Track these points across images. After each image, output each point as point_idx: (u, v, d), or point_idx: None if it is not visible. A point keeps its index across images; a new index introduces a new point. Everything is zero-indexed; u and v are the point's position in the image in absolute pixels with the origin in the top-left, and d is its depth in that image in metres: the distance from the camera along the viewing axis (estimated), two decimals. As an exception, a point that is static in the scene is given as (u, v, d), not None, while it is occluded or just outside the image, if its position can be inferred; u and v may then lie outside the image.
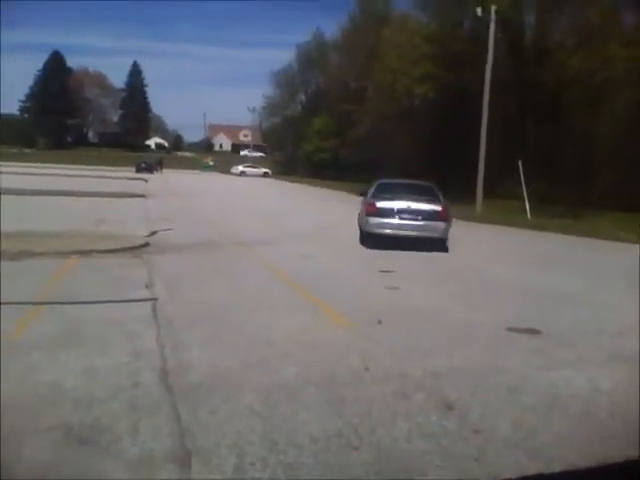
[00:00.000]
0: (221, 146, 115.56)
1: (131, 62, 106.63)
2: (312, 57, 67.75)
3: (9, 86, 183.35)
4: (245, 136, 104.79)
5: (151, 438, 3.65)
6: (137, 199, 24.71)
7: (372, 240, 13.25)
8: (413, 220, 13.08)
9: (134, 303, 7.12)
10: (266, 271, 10.04)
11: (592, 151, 29.22)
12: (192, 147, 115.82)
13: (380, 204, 13.41)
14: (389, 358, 5.45)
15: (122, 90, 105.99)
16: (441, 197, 14.28)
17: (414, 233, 13.06)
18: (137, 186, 33.37)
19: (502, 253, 14.42)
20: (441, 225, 13.14)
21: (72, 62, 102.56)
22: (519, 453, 3.69)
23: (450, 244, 13.30)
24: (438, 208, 13.40)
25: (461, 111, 34.03)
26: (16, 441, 3.50)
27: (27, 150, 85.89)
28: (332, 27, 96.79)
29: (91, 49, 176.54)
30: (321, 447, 3.68)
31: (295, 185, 48.46)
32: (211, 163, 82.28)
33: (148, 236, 12.88)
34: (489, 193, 26.93)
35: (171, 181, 45.12)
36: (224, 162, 78.44)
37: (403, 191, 14.26)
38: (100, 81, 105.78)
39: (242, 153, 70.25)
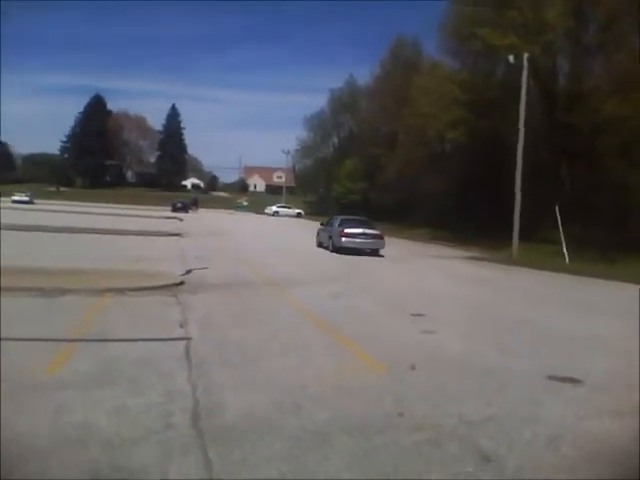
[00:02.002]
0: (255, 187, 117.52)
1: (169, 105, 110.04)
2: (344, 102, 69.15)
3: (52, 126, 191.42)
4: (279, 177, 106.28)
5: (181, 481, 3.60)
6: (173, 238, 25.07)
7: (342, 250, 22.52)
8: (365, 238, 23.04)
9: (167, 342, 7.14)
10: (298, 312, 9.98)
11: (627, 195, 28.78)
12: (227, 187, 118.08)
13: (347, 230, 22.96)
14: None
15: (160, 132, 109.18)
16: (374, 226, 24.68)
17: (367, 246, 23.06)
18: (173, 225, 33.93)
19: (539, 298, 14.12)
20: (381, 241, 23.38)
21: (112, 105, 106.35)
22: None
23: (485, 288, 13.21)
24: (378, 232, 23.83)
25: (493, 156, 34.05)
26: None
27: (63, 189, 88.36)
28: (364, 73, 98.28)
29: (131, 92, 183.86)
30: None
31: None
32: (245, 203, 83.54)
33: (183, 275, 13.00)
34: (524, 237, 26.63)
35: (206, 220, 45.81)
36: (258, 202, 79.62)
37: (355, 222, 24.30)
38: (139, 123, 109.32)
39: (273, 210, 71.30)
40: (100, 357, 6.28)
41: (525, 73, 27.27)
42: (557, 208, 24.55)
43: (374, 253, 22.87)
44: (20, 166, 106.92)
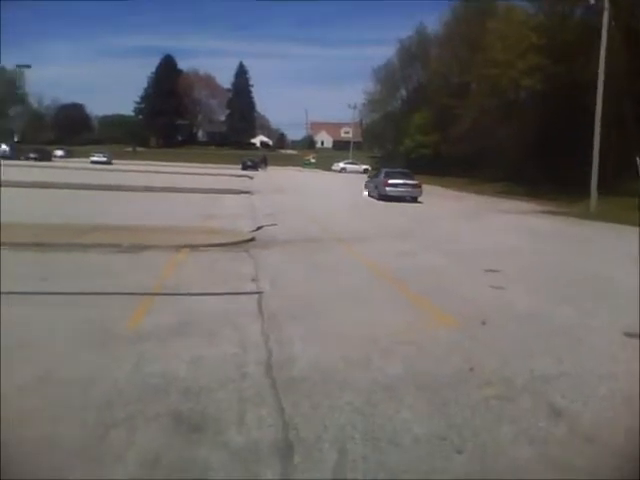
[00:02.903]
0: (323, 143, 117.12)
1: (237, 63, 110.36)
2: (413, 52, 67.04)
3: (126, 88, 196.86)
4: (346, 133, 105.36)
5: (256, 428, 3.76)
6: (243, 195, 25.52)
7: (386, 198, 25.81)
8: (406, 188, 26.44)
9: (240, 296, 7.36)
10: (368, 267, 10.02)
11: None
12: (295, 145, 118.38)
13: (390, 181, 26.51)
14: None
15: (229, 90, 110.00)
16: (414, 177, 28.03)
17: (407, 194, 26.27)
18: (243, 183, 34.50)
19: (616, 253, 13.54)
20: (418, 190, 26.67)
21: (182, 64, 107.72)
22: (634, 466, 3.45)
23: (559, 242, 12.82)
24: (417, 182, 27.14)
25: (571, 104, 32.34)
26: (130, 426, 3.72)
27: (140, 149, 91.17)
28: (434, 21, 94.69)
29: (200, 51, 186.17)
30: (423, 448, 3.63)
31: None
32: (313, 160, 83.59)
33: (254, 231, 13.27)
34: (603, 190, 25.39)
35: (275, 178, 46.26)
36: (325, 159, 79.42)
37: (398, 174, 27.75)
38: (209, 82, 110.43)
39: (340, 166, 71.05)
40: (177, 310, 6.55)
41: (606, 14, 25.45)
42: (639, 159, 23.16)
43: (413, 200, 26.28)
44: (97, 127, 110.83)
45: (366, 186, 30.21)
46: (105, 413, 3.90)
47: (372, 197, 27.90)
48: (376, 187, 27.64)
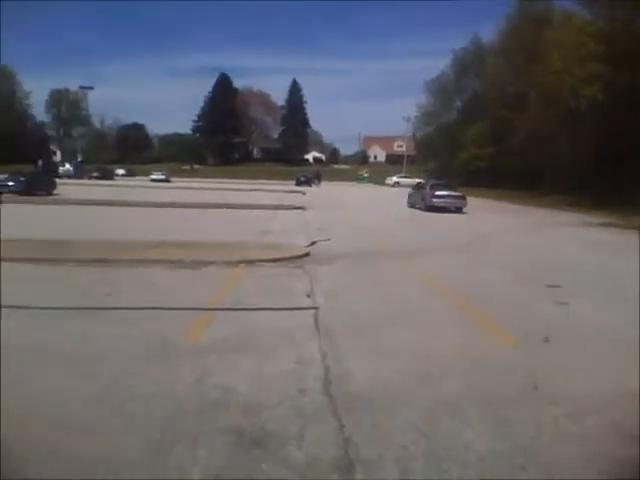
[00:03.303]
0: (375, 157, 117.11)
1: (290, 80, 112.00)
2: (468, 63, 66.23)
3: (184, 107, 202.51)
4: (399, 146, 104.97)
5: (316, 445, 3.75)
6: (297, 211, 25.74)
7: (432, 209, 27.48)
8: (451, 199, 28.29)
9: (297, 311, 7.39)
10: (424, 282, 9.90)
11: None
12: (348, 159, 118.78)
13: (437, 192, 28.37)
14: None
15: (283, 107, 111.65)
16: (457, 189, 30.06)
17: (452, 204, 28.02)
18: (297, 198, 34.81)
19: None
20: (463, 201, 28.28)
21: (238, 83, 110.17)
22: None
23: (625, 257, 12.32)
24: (461, 194, 28.81)
25: (633, 112, 31.17)
26: (192, 441, 3.77)
27: (197, 166, 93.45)
28: (488, 31, 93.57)
29: (254, 69, 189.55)
30: (487, 466, 3.54)
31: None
32: (366, 175, 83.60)
33: (308, 246, 13.34)
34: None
35: (328, 193, 46.48)
36: (378, 173, 79.31)
37: (442, 186, 29.75)
38: (263, 100, 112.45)
39: (393, 180, 70.97)
40: (236, 325, 6.63)
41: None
42: None
43: (458, 211, 27.97)
44: (156, 146, 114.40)
45: (410, 197, 32.25)
46: (168, 427, 3.97)
47: (416, 209, 29.67)
48: (422, 199, 29.19)
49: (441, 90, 70.67)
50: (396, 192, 52.97)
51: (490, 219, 25.43)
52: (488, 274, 10.84)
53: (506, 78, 52.50)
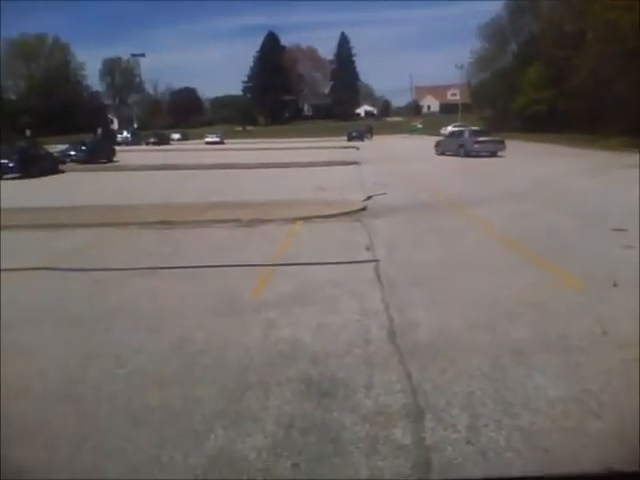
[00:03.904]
0: (429, 107, 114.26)
1: (339, 33, 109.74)
2: (523, 3, 63.07)
3: (234, 69, 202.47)
4: (453, 95, 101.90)
5: (384, 393, 3.80)
6: (351, 166, 25.56)
7: (472, 154, 28.57)
8: (491, 144, 29.73)
9: (357, 264, 7.42)
10: (484, 231, 9.72)
11: None
12: (400, 111, 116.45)
13: (479, 138, 29.77)
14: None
15: (332, 62, 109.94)
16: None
17: (492, 149, 29.42)
18: (350, 154, 34.50)
19: None
20: (501, 145, 29.65)
21: (285, 40, 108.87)
22: None
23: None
24: (499, 139, 30.73)
25: None
26: (264, 390, 3.88)
27: (250, 127, 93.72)
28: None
29: (301, 25, 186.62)
30: (559, 412, 3.52)
31: (507, 142, 45.89)
32: (419, 125, 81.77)
33: (364, 200, 13.27)
34: None
35: (381, 147, 45.83)
36: (432, 124, 77.37)
37: (480, 133, 32.17)
38: (311, 55, 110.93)
39: (449, 130, 68.89)
40: (297, 280, 6.73)
41: None
42: None
43: (494, 155, 29.01)
44: (208, 109, 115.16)
45: (440, 146, 32.86)
46: (240, 377, 4.10)
47: (447, 155, 30.71)
48: (461, 145, 30.13)
49: (496, 34, 67.69)
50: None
51: (551, 163, 24.50)
52: (549, 219, 10.53)
53: (564, 17, 49.76)
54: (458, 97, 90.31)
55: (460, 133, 33.22)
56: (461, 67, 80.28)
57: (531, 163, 24.89)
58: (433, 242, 8.85)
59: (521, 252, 7.96)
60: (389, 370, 4.14)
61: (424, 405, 3.62)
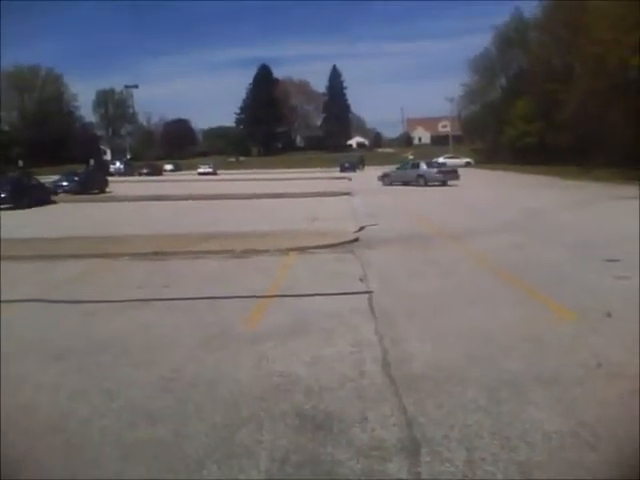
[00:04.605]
0: (420, 139, 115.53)
1: (330, 66, 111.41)
2: (511, 38, 64.48)
3: (226, 100, 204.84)
4: (444, 127, 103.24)
5: (380, 427, 3.75)
6: (343, 197, 25.70)
7: (429, 184, 31.94)
8: (447, 174, 33.48)
9: (351, 295, 7.40)
10: (477, 263, 9.74)
11: None
12: (392, 143, 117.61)
13: (434, 169, 33.71)
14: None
15: (324, 94, 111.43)
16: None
17: (448, 178, 33.13)
18: (342, 184, 34.71)
19: None
20: (455, 175, 33.29)
21: (278, 72, 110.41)
22: None
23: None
24: (454, 169, 35.57)
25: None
26: (256, 425, 3.83)
27: (242, 158, 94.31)
28: (529, 5, 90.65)
29: (293, 58, 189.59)
30: (555, 445, 3.48)
31: (498, 173, 46.42)
32: (411, 157, 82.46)
33: (357, 231, 13.32)
34: None
35: (373, 178, 46.10)
36: (424, 155, 77.97)
37: (434, 164, 36.81)
38: (303, 88, 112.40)
39: (440, 161, 69.92)
40: (291, 311, 6.70)
41: None
42: None
43: (444, 184, 32.07)
44: (201, 140, 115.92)
45: (387, 177, 35.64)
46: (232, 412, 4.05)
47: (394, 185, 33.62)
48: (420, 175, 33.16)
49: (485, 67, 69.08)
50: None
51: (542, 195, 24.73)
52: (542, 251, 10.59)
53: (551, 51, 50.88)
54: (449, 129, 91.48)
55: (416, 164, 36.25)
56: (452, 99, 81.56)
57: (524, 195, 25.11)
58: (426, 273, 8.85)
59: (515, 284, 7.97)
60: (384, 403, 4.09)
61: (420, 438, 3.58)
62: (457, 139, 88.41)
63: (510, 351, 5.13)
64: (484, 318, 6.21)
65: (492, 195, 25.68)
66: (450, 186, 31.39)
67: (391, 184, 34.05)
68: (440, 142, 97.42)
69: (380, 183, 34.98)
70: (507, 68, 68.55)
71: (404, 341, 5.45)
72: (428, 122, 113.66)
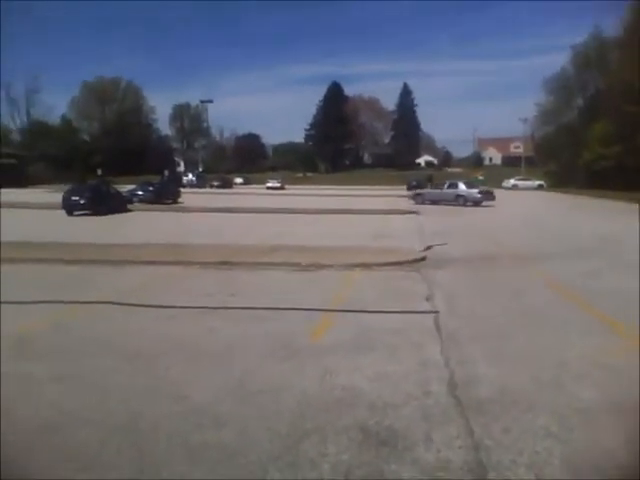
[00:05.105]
0: (491, 160, 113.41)
1: (400, 84, 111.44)
2: (590, 58, 62.49)
3: (297, 116, 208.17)
4: (516, 147, 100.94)
5: (445, 448, 3.69)
6: (410, 215, 25.52)
7: (468, 204, 32.34)
8: (484, 194, 33.96)
9: (416, 314, 7.32)
10: (548, 287, 9.44)
11: None
12: (461, 162, 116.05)
13: (473, 189, 34.53)
14: None
15: (393, 112, 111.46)
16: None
17: (486, 199, 33.27)
18: (409, 203, 34.48)
19: None
20: (491, 195, 33.97)
21: (348, 90, 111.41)
22: None
23: None
24: (490, 190, 35.52)
25: None
26: (320, 437, 3.84)
27: (310, 174, 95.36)
28: (608, 24, 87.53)
29: (364, 75, 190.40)
30: (628, 475, 3.32)
31: (571, 197, 44.85)
32: (481, 177, 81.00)
33: (424, 250, 13.17)
34: None
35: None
36: (494, 176, 76.55)
37: (471, 184, 36.87)
38: (373, 106, 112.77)
39: (511, 183, 68.63)
40: (356, 326, 6.69)
41: None
42: None
43: (478, 204, 32.44)
44: (271, 155, 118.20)
45: (421, 196, 35.71)
46: (296, 422, 4.08)
47: (426, 204, 33.46)
48: (459, 196, 33.31)
49: (561, 87, 67.13)
50: (514, 195, 50.98)
51: (619, 220, 23.72)
52: (617, 279, 10.14)
53: (633, 72, 48.94)
54: (521, 150, 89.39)
55: (454, 184, 35.82)
56: (525, 120, 79.84)
57: (598, 220, 24.16)
58: (495, 296, 8.66)
59: (588, 310, 7.68)
60: (450, 424, 4.03)
61: (487, 462, 3.50)
62: (529, 161, 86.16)
63: (582, 378, 4.94)
64: (552, 344, 6.01)
65: (562, 215, 24.83)
66: (484, 206, 31.53)
67: (423, 203, 33.98)
68: (511, 163, 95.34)
69: (412, 202, 34.79)
70: (584, 88, 66.43)
71: (471, 363, 5.34)
72: (500, 142, 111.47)
